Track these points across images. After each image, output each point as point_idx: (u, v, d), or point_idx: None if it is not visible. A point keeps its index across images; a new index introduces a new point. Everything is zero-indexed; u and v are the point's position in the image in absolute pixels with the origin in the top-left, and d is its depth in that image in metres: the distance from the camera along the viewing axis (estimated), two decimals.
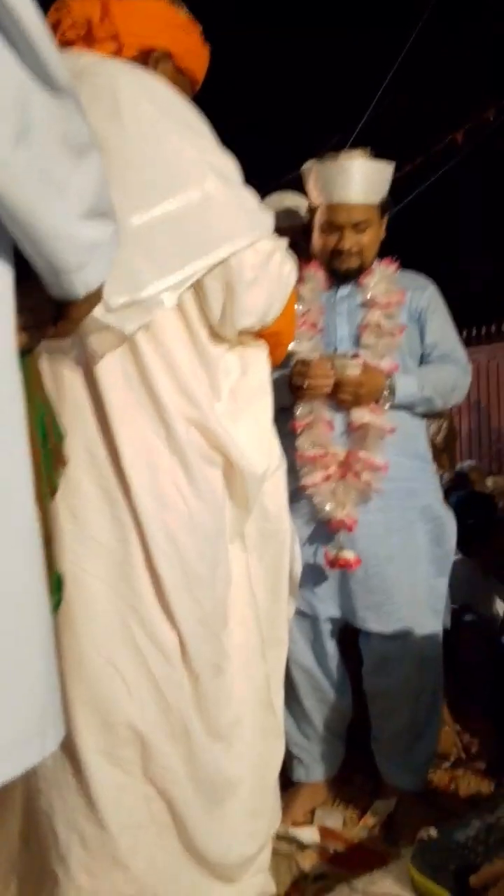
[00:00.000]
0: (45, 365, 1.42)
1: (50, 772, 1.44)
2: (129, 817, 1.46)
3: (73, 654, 1.42)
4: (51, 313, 0.99)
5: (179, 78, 1.61)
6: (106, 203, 0.91)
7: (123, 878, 1.45)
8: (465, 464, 4.02)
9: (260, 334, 1.62)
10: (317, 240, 2.30)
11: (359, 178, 2.19)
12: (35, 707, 0.84)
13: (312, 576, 2.17)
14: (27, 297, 0.91)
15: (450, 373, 2.31)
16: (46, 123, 0.80)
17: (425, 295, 2.34)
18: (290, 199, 2.72)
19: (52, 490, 1.14)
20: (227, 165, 1.49)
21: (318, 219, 2.26)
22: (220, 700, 1.55)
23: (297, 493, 2.16)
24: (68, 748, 1.43)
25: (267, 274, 1.51)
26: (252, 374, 1.61)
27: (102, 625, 1.43)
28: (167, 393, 1.45)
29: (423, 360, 2.35)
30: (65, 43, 1.52)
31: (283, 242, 1.56)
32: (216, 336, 1.54)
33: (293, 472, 2.15)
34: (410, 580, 2.19)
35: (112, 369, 1.43)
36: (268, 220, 1.52)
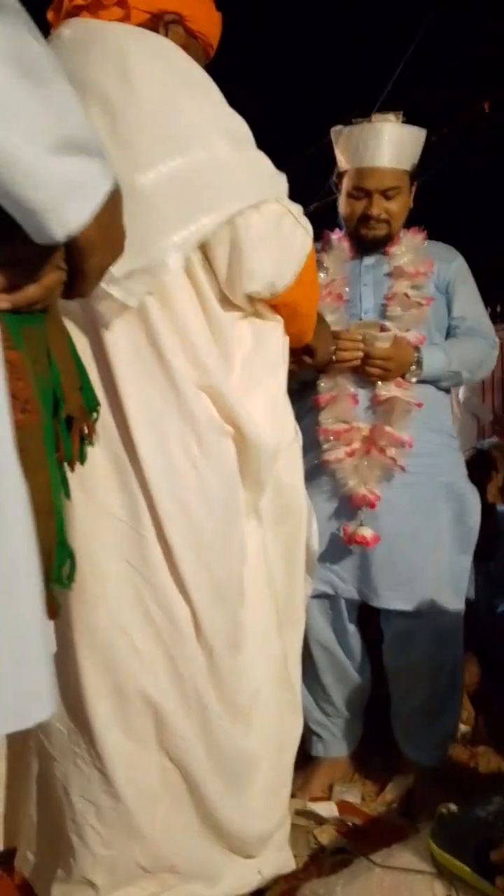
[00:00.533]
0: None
1: (65, 742, 1.45)
2: (144, 788, 1.46)
3: (85, 624, 1.42)
4: (46, 268, 0.92)
5: (192, 42, 1.59)
6: (83, 137, 0.84)
7: (139, 849, 1.47)
8: (486, 441, 3.97)
9: (274, 304, 1.58)
10: (344, 206, 2.25)
11: (390, 143, 2.13)
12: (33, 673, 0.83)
13: (334, 553, 2.15)
14: (12, 252, 0.86)
15: (478, 346, 2.26)
16: None
17: (453, 266, 2.29)
18: None
19: (65, 458, 1.11)
20: (238, 127, 1.47)
21: (346, 184, 2.21)
22: (237, 676, 1.55)
23: (319, 469, 2.14)
24: (82, 719, 1.44)
25: (276, 237, 1.46)
26: (266, 346, 1.59)
27: (115, 594, 1.43)
28: (177, 359, 1.43)
29: (449, 332, 2.30)
30: (72, 12, 1.50)
31: (298, 208, 1.52)
32: (228, 303, 1.51)
33: (316, 447, 2.13)
34: (433, 558, 2.15)
35: (120, 335, 1.41)
36: (279, 183, 1.48)
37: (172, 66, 1.43)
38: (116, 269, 1.22)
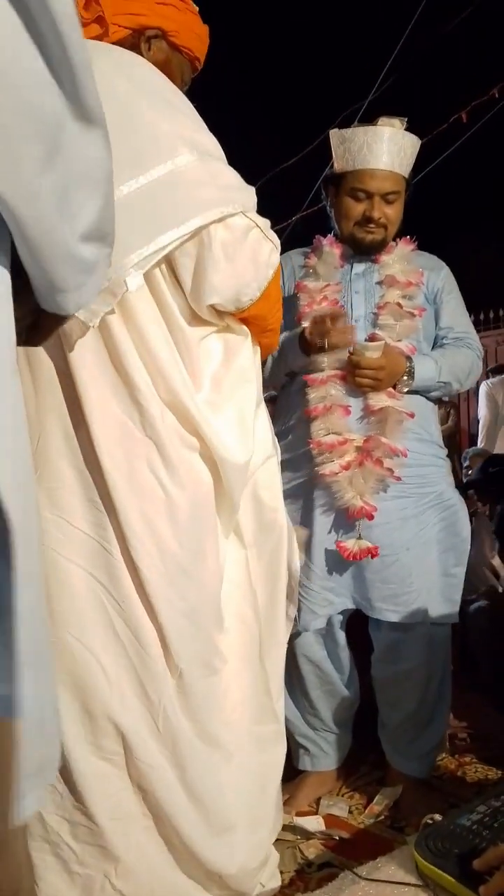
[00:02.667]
0: (21, 359, 1.41)
1: None
2: (116, 808, 1.43)
3: (53, 638, 1.39)
4: (25, 326, 0.99)
5: (176, 56, 1.59)
6: (108, 227, 0.93)
7: (115, 872, 1.42)
8: (471, 449, 3.99)
9: (241, 318, 1.57)
10: (342, 207, 2.21)
11: (395, 147, 2.13)
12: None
13: (331, 566, 2.14)
14: (16, 310, 0.91)
15: (466, 356, 2.26)
16: (74, 151, 0.81)
17: (441, 276, 2.30)
18: None
19: None
20: (204, 140, 1.46)
21: (346, 185, 2.18)
22: (212, 701, 1.52)
23: (313, 482, 2.13)
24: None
25: (240, 251, 1.45)
26: (236, 361, 1.57)
27: (81, 611, 1.40)
28: (140, 375, 1.42)
29: (436, 342, 2.30)
30: None
31: (265, 222, 1.51)
32: (197, 318, 1.50)
33: (309, 460, 2.12)
34: (425, 568, 2.15)
35: (84, 352, 1.40)
36: (246, 197, 1.46)
37: (137, 81, 1.42)
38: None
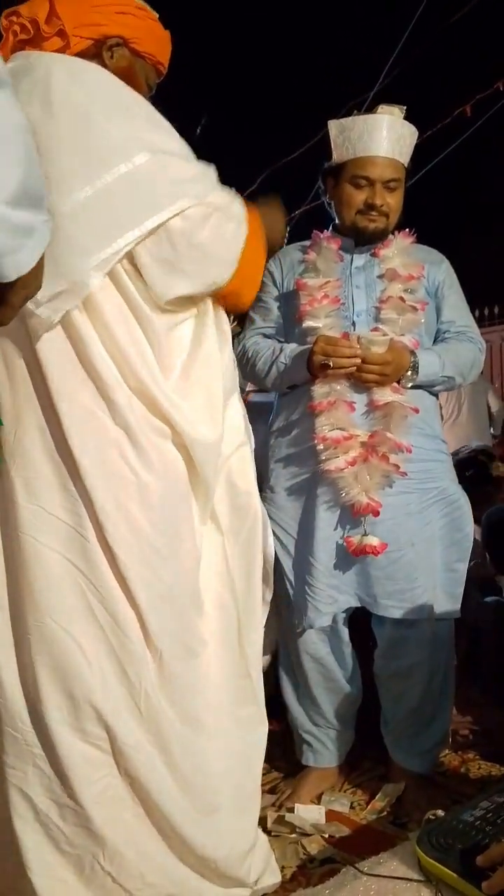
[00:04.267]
0: None
1: (21, 746, 1.44)
2: (102, 793, 1.45)
3: (34, 622, 1.43)
4: None
5: (138, 61, 1.65)
6: (38, 192, 0.93)
7: (102, 854, 1.45)
8: (474, 444, 3.99)
9: (218, 295, 1.60)
10: (342, 196, 2.20)
11: (394, 135, 2.12)
12: None
13: (336, 563, 2.13)
14: None
15: (468, 350, 2.25)
16: None
17: (441, 270, 2.28)
18: None
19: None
20: (161, 139, 1.50)
21: (347, 174, 2.16)
22: (193, 684, 1.55)
23: (318, 478, 2.11)
24: (37, 719, 1.43)
25: (201, 238, 1.50)
26: (202, 348, 1.61)
27: (61, 596, 1.44)
28: (107, 367, 1.47)
29: (437, 336, 2.29)
30: (17, 46, 1.57)
31: (226, 200, 1.55)
32: (163, 309, 1.53)
33: (313, 455, 2.10)
34: (429, 564, 2.14)
35: (52, 347, 1.45)
36: (201, 187, 1.50)
37: (92, 88, 1.48)
38: (41, 294, 1.27)
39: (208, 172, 1.54)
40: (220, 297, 1.63)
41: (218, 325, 1.65)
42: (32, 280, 1.02)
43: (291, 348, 2.19)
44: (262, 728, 1.71)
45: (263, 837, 1.73)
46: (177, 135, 1.55)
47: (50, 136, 1.41)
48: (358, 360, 2.05)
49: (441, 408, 5.05)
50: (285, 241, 1.93)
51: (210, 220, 1.50)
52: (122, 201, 1.43)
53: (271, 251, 1.77)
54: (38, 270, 1.02)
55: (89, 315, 1.46)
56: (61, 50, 1.55)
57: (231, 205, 1.55)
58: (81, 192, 1.40)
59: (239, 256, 1.57)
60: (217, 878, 1.56)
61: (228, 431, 1.65)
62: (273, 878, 1.69)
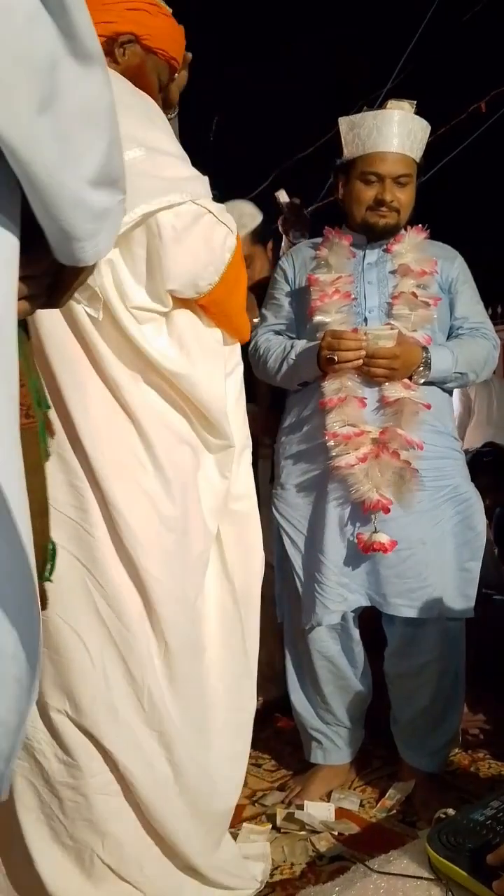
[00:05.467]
0: None
1: (26, 739, 1.45)
2: (106, 785, 1.47)
3: (42, 617, 1.43)
4: (46, 283, 0.98)
5: (151, 58, 1.64)
6: (117, 171, 0.91)
7: (102, 845, 1.46)
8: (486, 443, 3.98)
9: (200, 304, 1.58)
10: (353, 192, 2.18)
11: (405, 130, 2.11)
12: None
13: (346, 560, 2.12)
14: (31, 265, 0.90)
15: (482, 347, 2.23)
16: (73, 90, 0.79)
17: (455, 265, 2.26)
18: (240, 208, 2.69)
19: (46, 457, 1.14)
20: (156, 137, 1.49)
21: (357, 170, 2.15)
22: (197, 683, 1.57)
23: (328, 474, 2.10)
24: (43, 712, 1.45)
25: (192, 236, 1.48)
26: (204, 336, 1.59)
27: (66, 593, 1.44)
28: (113, 360, 1.46)
29: (450, 332, 2.27)
30: None
31: (219, 207, 1.53)
32: (146, 313, 1.52)
33: (324, 452, 2.10)
34: (440, 562, 2.12)
35: (58, 342, 1.44)
36: (196, 187, 1.49)
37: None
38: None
39: (203, 179, 1.53)
40: (204, 308, 1.59)
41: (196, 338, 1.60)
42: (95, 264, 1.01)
43: (302, 345, 2.18)
44: (249, 734, 1.73)
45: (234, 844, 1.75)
46: (174, 136, 1.55)
47: None
48: (363, 353, 2.03)
49: (474, 404, 5.03)
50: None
51: (202, 220, 1.48)
52: None
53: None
54: None
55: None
56: None
57: (223, 212, 1.54)
58: None
59: (227, 264, 1.54)
60: (201, 878, 1.58)
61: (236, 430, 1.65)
62: (263, 876, 1.73)
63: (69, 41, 0.77)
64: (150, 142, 1.47)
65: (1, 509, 0.79)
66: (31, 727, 1.44)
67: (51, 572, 1.15)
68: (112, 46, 1.58)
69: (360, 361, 2.04)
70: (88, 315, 1.44)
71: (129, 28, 1.59)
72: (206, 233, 1.49)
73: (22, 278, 0.89)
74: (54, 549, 1.15)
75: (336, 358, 2.03)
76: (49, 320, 1.43)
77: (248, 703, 1.71)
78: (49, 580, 1.15)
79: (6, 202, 0.81)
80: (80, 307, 1.43)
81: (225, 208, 1.55)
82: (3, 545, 0.80)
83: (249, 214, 2.84)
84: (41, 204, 0.82)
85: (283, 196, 2.84)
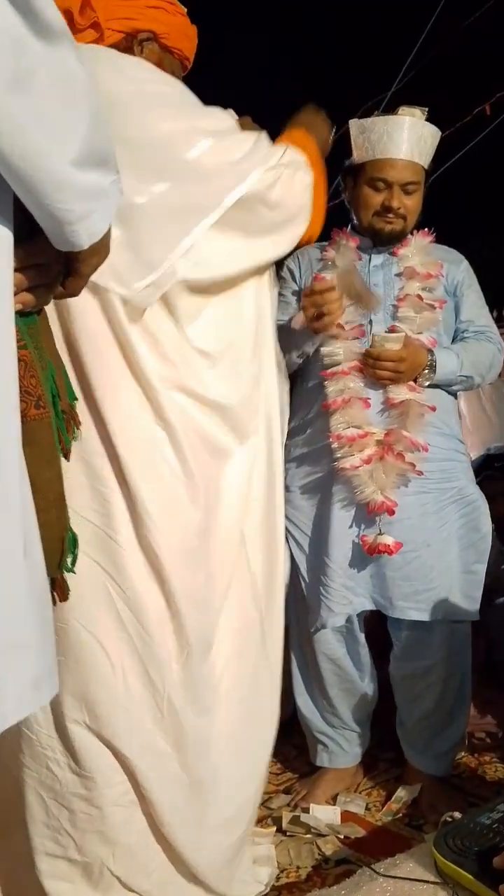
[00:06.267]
0: None
1: (36, 747, 1.44)
2: (122, 796, 1.45)
3: (58, 623, 1.40)
4: (59, 271, 0.97)
5: (167, 57, 1.65)
6: (105, 151, 0.89)
7: (113, 856, 1.45)
8: (493, 446, 3.97)
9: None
10: (360, 197, 2.18)
11: (415, 137, 2.11)
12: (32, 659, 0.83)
13: (350, 563, 2.12)
14: (33, 254, 0.89)
15: (487, 350, 2.23)
16: (42, 70, 0.77)
17: (461, 269, 2.27)
18: None
19: (66, 450, 1.14)
20: (215, 123, 1.53)
21: (365, 175, 2.15)
22: (210, 686, 1.55)
23: (333, 476, 2.10)
24: (58, 722, 1.43)
25: (276, 198, 1.55)
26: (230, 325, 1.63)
27: (86, 598, 1.43)
28: (149, 363, 1.46)
29: (455, 336, 2.27)
30: None
31: (287, 157, 1.59)
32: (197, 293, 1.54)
33: (328, 454, 2.09)
34: (446, 565, 2.12)
35: (95, 345, 1.43)
36: (261, 156, 1.53)
37: (139, 84, 1.48)
38: (136, 286, 1.39)
39: (261, 137, 1.58)
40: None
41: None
42: (102, 246, 0.98)
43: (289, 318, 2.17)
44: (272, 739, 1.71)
45: (246, 857, 1.73)
46: (218, 110, 1.57)
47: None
48: (341, 300, 2.02)
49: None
50: (330, 143, 1.89)
51: (280, 181, 1.55)
52: (197, 186, 1.46)
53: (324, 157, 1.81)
54: (107, 235, 0.98)
55: (128, 307, 1.45)
56: (95, 42, 1.54)
57: (290, 156, 1.60)
58: (156, 186, 1.42)
59: (311, 201, 1.64)
60: (205, 886, 1.57)
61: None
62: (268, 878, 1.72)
63: (28, 17, 0.74)
64: (210, 128, 1.51)
65: None
66: (47, 736, 1.43)
67: (73, 563, 1.15)
68: (131, 43, 1.58)
69: (341, 311, 2.03)
70: (127, 309, 1.44)
71: (149, 26, 1.59)
72: (287, 189, 1.57)
73: (24, 269, 0.88)
74: (75, 539, 1.15)
75: (325, 311, 1.99)
76: (82, 316, 1.42)
77: (266, 713, 1.68)
78: (72, 571, 1.15)
79: (1, 198, 0.80)
80: (118, 303, 1.43)
81: (284, 146, 1.61)
82: None
83: None
84: (24, 189, 0.80)
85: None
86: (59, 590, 1.12)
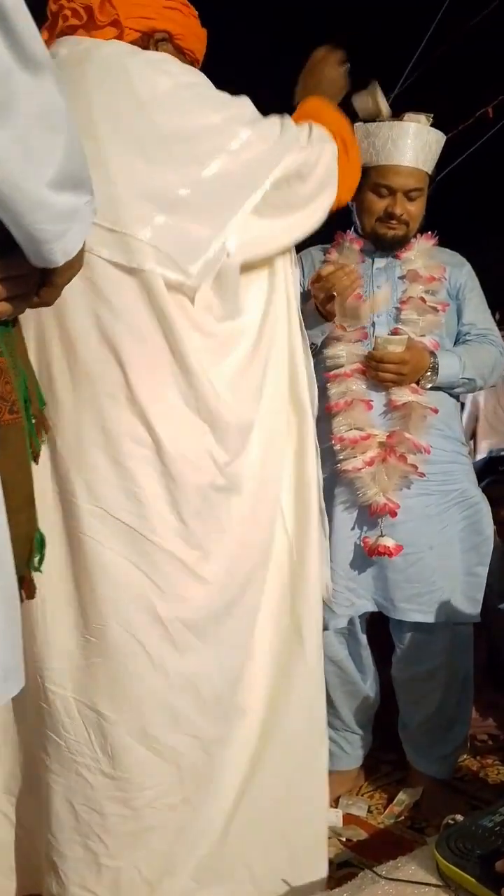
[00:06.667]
0: (56, 350, 1.45)
1: (65, 753, 1.44)
2: (156, 798, 1.45)
3: (96, 625, 1.43)
4: (35, 281, 1.01)
5: (180, 58, 1.64)
6: (81, 173, 0.94)
7: (145, 858, 1.45)
8: (495, 448, 3.96)
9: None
10: (363, 203, 2.18)
11: (419, 144, 2.11)
12: None
13: (353, 565, 2.12)
14: (11, 267, 0.93)
15: (489, 353, 2.23)
16: (25, 100, 0.81)
17: (463, 272, 2.27)
18: None
19: (35, 454, 1.17)
20: (248, 113, 1.56)
21: (370, 180, 2.14)
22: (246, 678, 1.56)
23: (335, 478, 2.10)
24: (89, 724, 1.43)
25: (310, 172, 1.61)
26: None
27: (124, 599, 1.43)
28: (195, 357, 1.46)
29: (458, 338, 2.28)
30: (66, 31, 1.56)
31: (315, 133, 1.64)
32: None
33: (331, 455, 2.09)
34: (448, 567, 2.13)
35: (142, 339, 1.43)
36: (290, 137, 1.58)
37: (175, 78, 1.49)
38: (191, 269, 1.43)
39: (285, 120, 1.62)
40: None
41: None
42: (77, 261, 1.03)
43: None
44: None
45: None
46: (246, 98, 1.60)
47: (139, 124, 1.43)
48: (357, 279, 2.02)
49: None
50: (346, 80, 1.90)
51: (311, 157, 1.60)
52: (240, 173, 1.51)
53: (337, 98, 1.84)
54: (82, 250, 1.03)
55: (177, 303, 1.46)
56: (114, 39, 1.54)
57: (316, 132, 1.64)
58: (200, 175, 1.46)
59: (337, 168, 1.68)
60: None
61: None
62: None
63: (14, 50, 0.79)
64: (246, 117, 1.55)
65: None
66: (75, 741, 1.43)
67: (41, 561, 1.17)
68: (147, 42, 1.58)
69: (356, 287, 2.03)
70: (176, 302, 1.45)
71: (166, 26, 1.59)
72: (318, 161, 1.62)
73: (2, 280, 0.92)
74: (42, 540, 1.17)
75: (336, 289, 1.99)
76: (129, 313, 1.43)
77: (304, 712, 1.66)
78: (38, 570, 1.16)
79: None
80: (170, 305, 1.44)
81: (308, 124, 1.66)
82: None
83: None
84: (3, 211, 0.84)
85: None
86: (27, 588, 1.14)
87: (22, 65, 0.79)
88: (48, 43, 1.57)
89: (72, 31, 1.55)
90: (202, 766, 1.49)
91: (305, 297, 2.26)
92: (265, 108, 1.61)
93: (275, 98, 1.74)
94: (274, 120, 1.60)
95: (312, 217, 1.68)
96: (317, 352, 2.14)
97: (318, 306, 2.03)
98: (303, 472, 1.69)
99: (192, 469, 1.46)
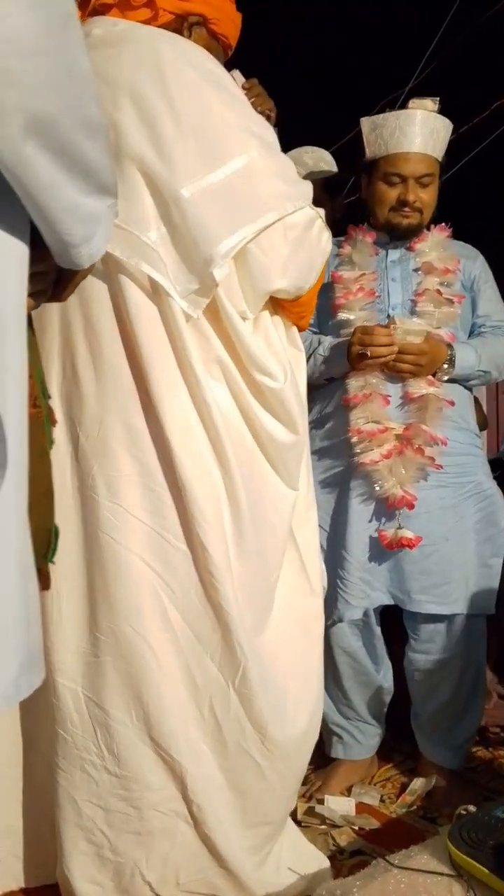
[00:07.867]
0: (81, 345, 1.45)
1: (71, 749, 1.44)
2: (162, 802, 1.44)
3: (108, 624, 1.42)
4: (52, 278, 1.03)
5: (213, 43, 1.61)
6: (109, 179, 0.95)
7: (146, 860, 1.45)
8: None
9: (293, 303, 1.59)
10: (376, 193, 2.19)
11: (427, 130, 2.10)
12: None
13: (369, 557, 2.13)
14: (37, 263, 0.95)
15: None
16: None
17: (477, 264, 2.28)
18: (308, 155, 2.68)
19: (50, 444, 1.19)
20: (266, 132, 1.50)
21: (379, 171, 2.15)
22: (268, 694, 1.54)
23: (352, 471, 2.12)
24: (93, 722, 1.43)
25: (308, 240, 1.50)
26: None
27: (137, 599, 1.42)
28: (199, 363, 1.45)
29: (472, 330, 2.28)
30: (99, 10, 1.52)
31: (322, 212, 1.56)
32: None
33: (348, 448, 2.11)
34: (463, 558, 2.13)
35: (154, 344, 1.43)
36: (308, 190, 1.51)
37: (204, 71, 1.45)
38: (182, 289, 1.38)
39: (306, 181, 1.55)
40: (289, 309, 1.62)
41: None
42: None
43: (329, 341, 2.19)
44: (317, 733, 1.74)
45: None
46: (265, 121, 1.55)
47: (168, 119, 1.39)
48: (395, 348, 2.04)
49: None
50: None
51: (315, 224, 1.52)
52: (246, 191, 1.42)
53: None
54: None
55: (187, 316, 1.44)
56: (148, 22, 1.52)
57: (323, 216, 1.57)
58: (205, 179, 1.39)
59: (322, 267, 1.60)
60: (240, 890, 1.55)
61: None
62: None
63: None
64: (264, 137, 1.48)
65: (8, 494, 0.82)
66: (82, 737, 1.43)
67: (53, 554, 1.19)
68: (181, 25, 1.55)
69: (392, 357, 2.05)
70: (184, 314, 1.43)
71: (200, 9, 1.56)
72: (318, 237, 1.53)
73: (30, 277, 0.93)
74: (57, 532, 1.19)
75: (369, 353, 2.03)
76: (148, 320, 1.42)
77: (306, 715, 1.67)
78: (52, 562, 1.18)
79: (19, 214, 0.85)
80: (176, 306, 1.42)
81: (324, 212, 1.58)
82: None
83: (328, 162, 2.81)
84: (38, 215, 0.87)
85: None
86: (43, 580, 1.15)
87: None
88: (81, 19, 1.51)
89: (105, 9, 1.52)
90: (209, 778, 1.48)
91: (323, 290, 2.27)
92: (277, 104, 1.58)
93: (285, 93, 1.71)
94: (294, 167, 1.55)
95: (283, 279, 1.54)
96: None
97: (350, 355, 2.08)
98: (309, 480, 1.74)
99: (200, 475, 1.45)
